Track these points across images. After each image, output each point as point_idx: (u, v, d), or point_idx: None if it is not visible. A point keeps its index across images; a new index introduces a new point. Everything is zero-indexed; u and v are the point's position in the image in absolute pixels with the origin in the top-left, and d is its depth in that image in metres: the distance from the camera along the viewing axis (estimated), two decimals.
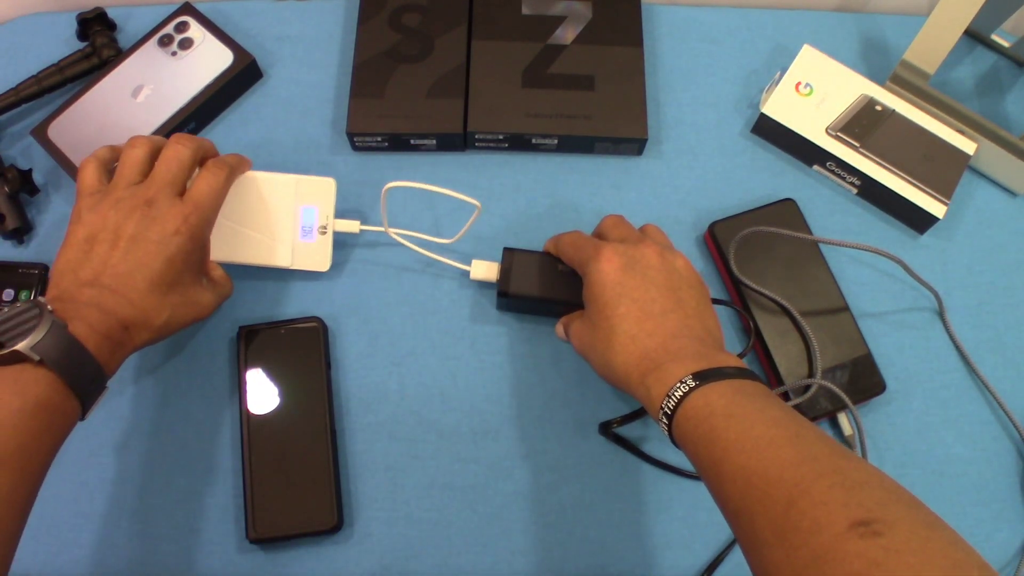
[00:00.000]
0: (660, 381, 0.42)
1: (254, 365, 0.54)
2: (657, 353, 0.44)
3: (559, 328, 0.54)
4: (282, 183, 0.56)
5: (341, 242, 0.59)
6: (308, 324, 0.55)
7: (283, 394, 0.54)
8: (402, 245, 0.57)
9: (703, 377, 0.41)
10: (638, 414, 0.53)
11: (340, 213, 0.57)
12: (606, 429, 0.54)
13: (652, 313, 0.45)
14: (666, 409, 0.42)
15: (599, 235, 0.52)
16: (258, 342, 0.55)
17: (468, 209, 0.60)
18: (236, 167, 0.53)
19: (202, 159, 0.51)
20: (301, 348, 0.55)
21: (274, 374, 0.54)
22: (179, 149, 0.49)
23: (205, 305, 0.50)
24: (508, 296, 0.54)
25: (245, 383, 0.54)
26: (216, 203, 0.50)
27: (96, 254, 0.46)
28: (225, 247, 0.56)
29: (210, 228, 0.50)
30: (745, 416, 0.39)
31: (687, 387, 0.41)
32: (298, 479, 0.52)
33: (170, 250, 0.46)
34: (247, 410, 0.53)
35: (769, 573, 0.35)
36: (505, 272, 0.54)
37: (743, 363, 0.43)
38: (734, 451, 0.38)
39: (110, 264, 0.45)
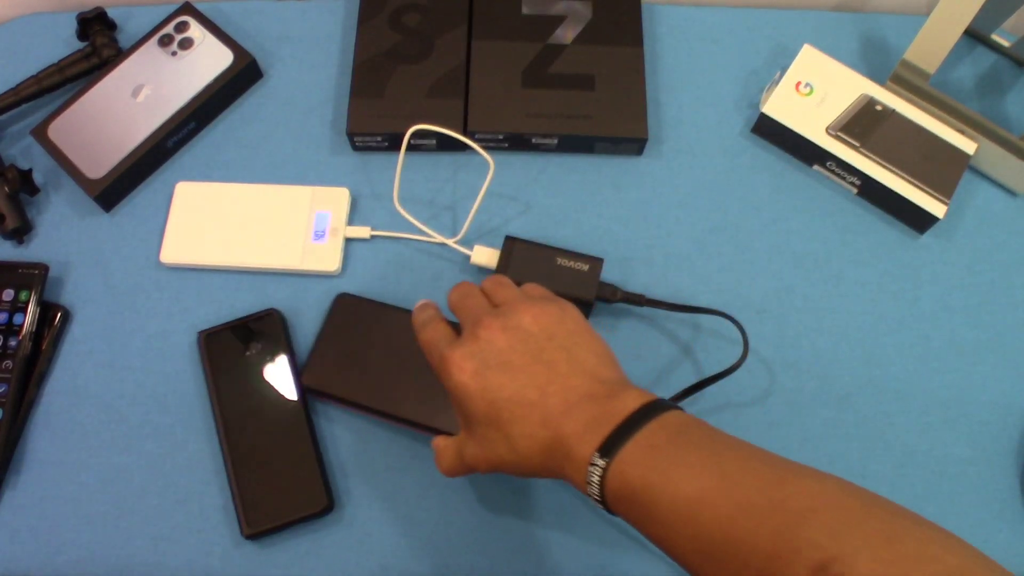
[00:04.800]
0: (576, 470, 0.39)
1: (219, 366, 0.54)
2: (560, 442, 0.39)
3: (445, 461, 0.46)
4: (298, 194, 0.59)
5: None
6: (265, 316, 0.56)
7: (253, 389, 0.54)
8: (402, 244, 0.58)
9: (608, 449, 0.37)
10: None
11: None
12: None
13: (532, 401, 0.40)
14: (596, 498, 0.39)
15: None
16: (220, 343, 0.55)
17: (467, 208, 0.60)
18: None
19: None
20: (263, 341, 0.55)
21: (241, 371, 0.54)
22: None
23: None
24: None
25: (213, 384, 0.54)
26: None
27: None
28: (238, 254, 0.58)
29: None
30: (666, 480, 0.36)
31: (599, 470, 0.38)
32: (283, 468, 0.52)
33: None
34: (219, 411, 0.53)
35: None
36: (504, 260, 0.55)
37: (645, 395, 0.40)
38: (673, 525, 0.36)
39: None
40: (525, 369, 0.41)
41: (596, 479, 0.38)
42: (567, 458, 0.39)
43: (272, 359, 0.55)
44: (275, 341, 0.55)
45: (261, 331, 0.55)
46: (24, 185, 0.59)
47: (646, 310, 0.58)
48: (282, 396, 0.54)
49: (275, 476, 0.52)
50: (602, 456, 0.38)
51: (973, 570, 0.30)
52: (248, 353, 0.55)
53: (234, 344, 0.55)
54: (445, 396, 0.52)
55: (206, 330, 0.55)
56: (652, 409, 0.39)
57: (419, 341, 0.46)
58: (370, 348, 0.54)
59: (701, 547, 0.35)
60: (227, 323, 0.56)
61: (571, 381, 0.41)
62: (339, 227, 0.58)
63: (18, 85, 0.61)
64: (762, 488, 0.34)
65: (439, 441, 0.47)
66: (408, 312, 0.54)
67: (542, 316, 0.43)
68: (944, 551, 0.30)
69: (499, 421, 0.41)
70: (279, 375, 0.54)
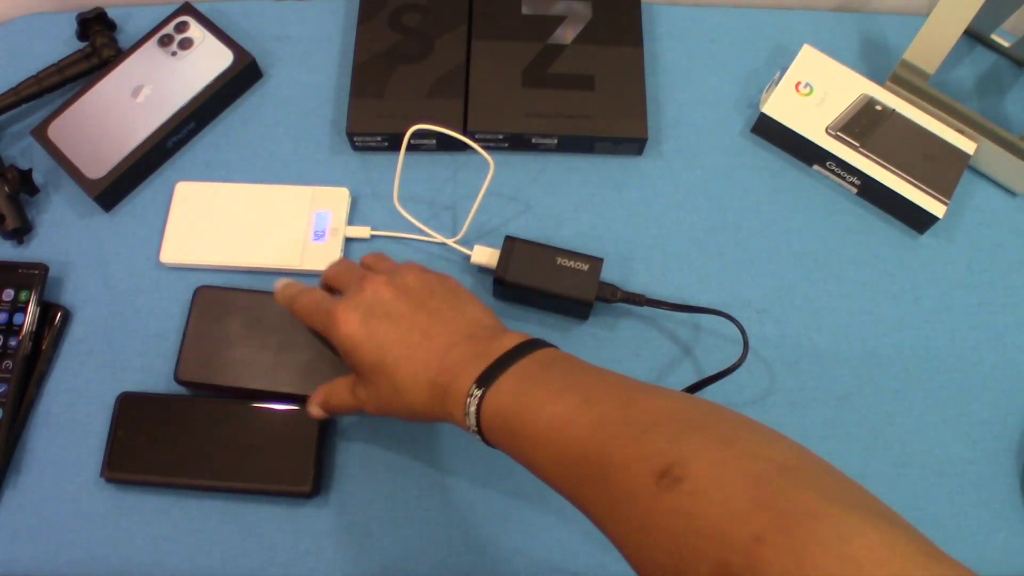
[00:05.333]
0: (456, 404, 0.42)
1: (141, 468, 0.53)
2: (442, 377, 0.42)
3: (335, 397, 0.48)
4: (298, 194, 0.59)
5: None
6: (121, 404, 0.54)
7: (177, 443, 0.53)
8: (402, 244, 0.58)
9: (486, 379, 0.40)
10: None
11: None
12: None
13: (417, 343, 0.43)
14: (472, 428, 0.41)
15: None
16: (121, 461, 0.53)
17: (467, 208, 0.60)
18: None
19: None
20: (150, 417, 0.53)
21: (161, 448, 0.53)
22: None
23: None
24: (504, 284, 0.54)
25: (158, 478, 0.52)
26: None
27: None
28: (238, 254, 0.58)
29: None
30: (533, 404, 0.39)
31: (476, 399, 0.40)
32: (264, 442, 0.52)
33: None
34: (191, 480, 0.52)
35: (624, 553, 0.34)
36: (504, 260, 0.55)
37: (523, 336, 0.43)
38: (539, 445, 0.38)
39: None
40: (409, 316, 0.44)
41: (473, 409, 0.40)
42: (447, 393, 0.42)
43: (175, 411, 0.54)
44: (160, 402, 0.54)
45: (138, 418, 0.53)
46: (24, 185, 0.59)
47: (646, 310, 0.58)
48: (212, 416, 0.53)
49: (269, 451, 0.52)
50: (479, 387, 0.40)
51: (797, 465, 0.32)
52: (146, 434, 0.53)
53: (132, 449, 0.53)
54: (321, 364, 0.53)
55: (105, 470, 0.52)
56: (528, 346, 0.42)
57: (295, 312, 0.49)
58: (238, 334, 0.55)
59: (564, 464, 0.37)
60: (108, 443, 0.53)
61: (454, 325, 0.44)
62: (339, 227, 0.58)
63: (18, 85, 0.61)
64: (617, 407, 0.37)
65: (334, 382, 0.49)
66: (269, 293, 0.54)
67: (424, 276, 0.47)
68: (772, 450, 0.33)
69: (384, 364, 0.44)
70: (194, 413, 0.53)
